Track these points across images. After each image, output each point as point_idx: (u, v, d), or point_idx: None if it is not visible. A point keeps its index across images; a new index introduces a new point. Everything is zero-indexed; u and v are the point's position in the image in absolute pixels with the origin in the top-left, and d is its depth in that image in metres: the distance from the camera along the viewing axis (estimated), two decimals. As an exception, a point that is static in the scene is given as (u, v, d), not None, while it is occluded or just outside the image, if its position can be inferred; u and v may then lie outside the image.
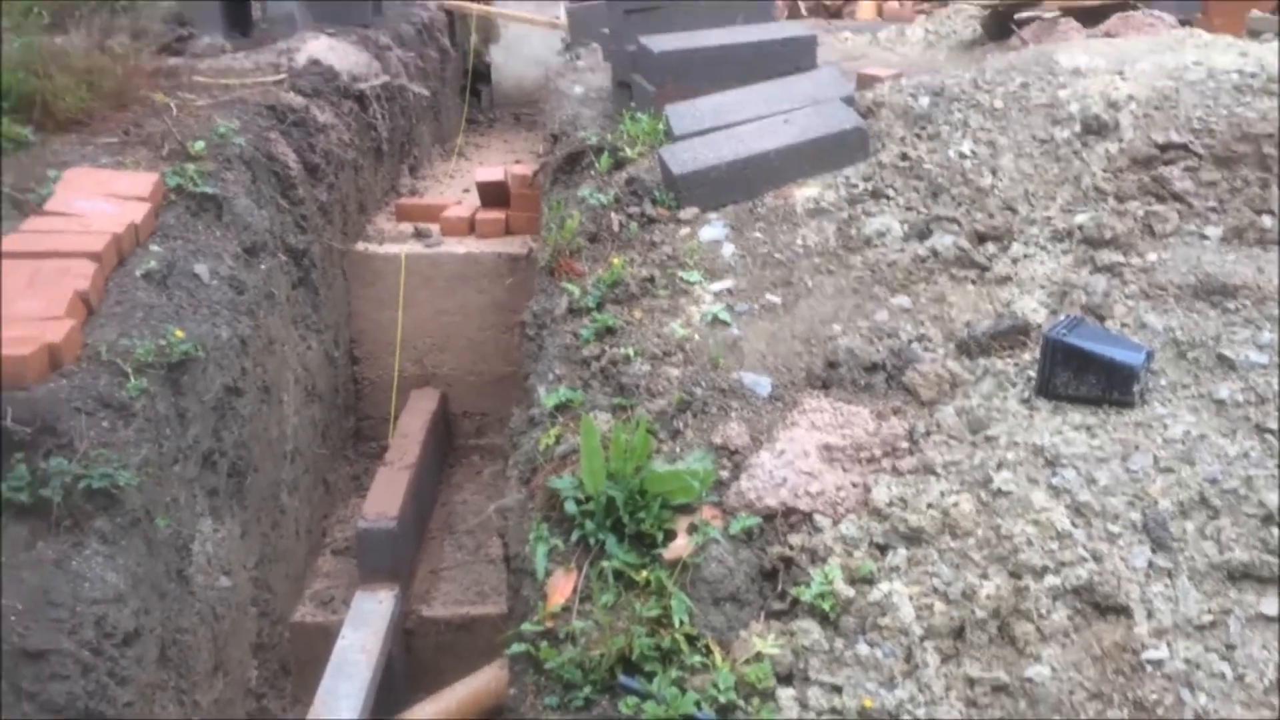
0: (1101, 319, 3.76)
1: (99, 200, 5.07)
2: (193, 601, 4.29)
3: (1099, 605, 2.82)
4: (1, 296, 4.37)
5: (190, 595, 4.28)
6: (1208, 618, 2.79)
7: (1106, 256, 4.01)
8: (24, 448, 3.85)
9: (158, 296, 4.77)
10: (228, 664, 4.59)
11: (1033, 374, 3.58)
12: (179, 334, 4.53)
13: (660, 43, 6.20)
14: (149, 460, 4.13)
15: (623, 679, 3.01)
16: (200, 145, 5.74)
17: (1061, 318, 3.67)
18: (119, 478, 3.88)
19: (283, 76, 7.28)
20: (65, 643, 3.51)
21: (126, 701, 3.63)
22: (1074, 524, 3.00)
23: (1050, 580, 2.88)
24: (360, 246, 7.33)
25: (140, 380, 4.24)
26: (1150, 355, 3.49)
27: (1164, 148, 4.33)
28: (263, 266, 5.64)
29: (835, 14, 12.20)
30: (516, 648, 3.32)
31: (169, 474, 4.29)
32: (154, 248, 4.98)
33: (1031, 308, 3.96)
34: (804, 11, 12.11)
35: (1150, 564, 2.91)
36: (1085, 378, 3.40)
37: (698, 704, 2.86)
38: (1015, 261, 4.21)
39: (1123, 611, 2.81)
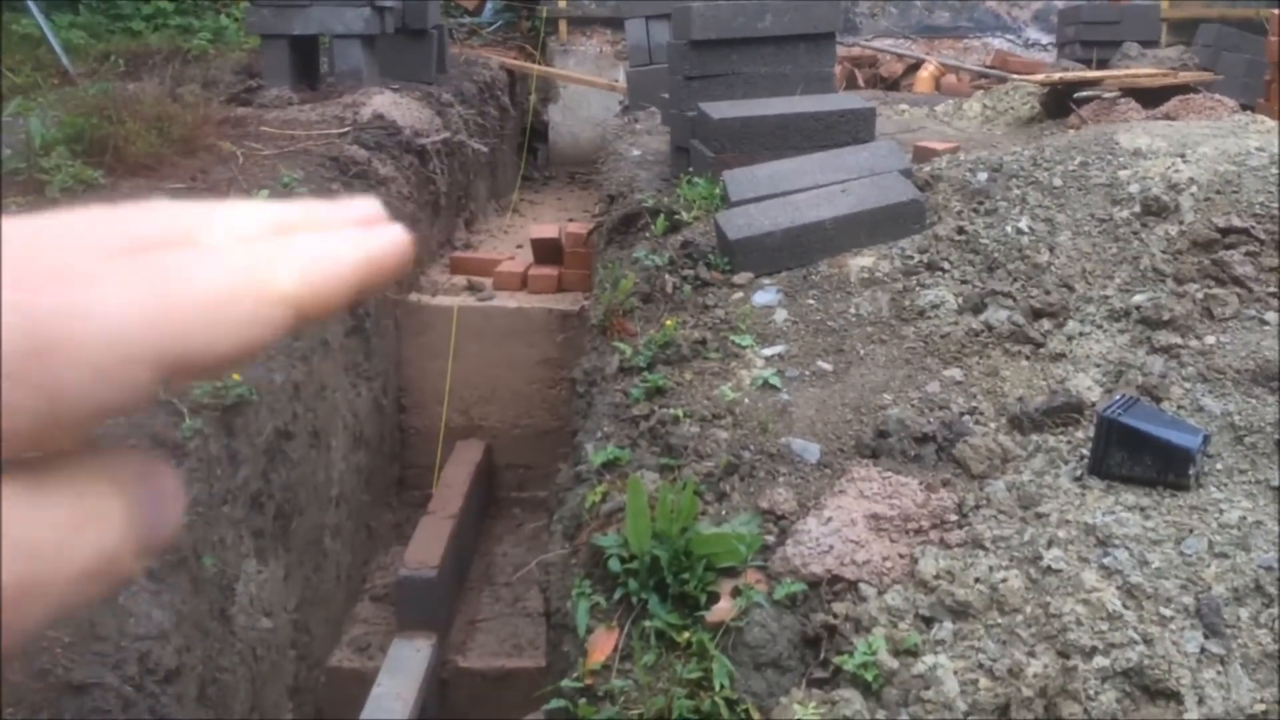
0: (1157, 400, 3.73)
1: (165, 243, 5.18)
2: (234, 641, 4.31)
3: (1148, 689, 2.77)
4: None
5: (232, 635, 4.30)
6: (1260, 707, 2.73)
7: (1164, 338, 3.98)
8: (79, 482, 3.91)
9: (216, 338, 4.84)
10: (264, 706, 4.60)
11: (1086, 452, 3.55)
12: (235, 376, 4.60)
13: (719, 109, 6.27)
14: (199, 500, 4.18)
15: (662, 741, 2.99)
16: (264, 194, 5.86)
17: (1117, 397, 3.64)
18: (169, 515, 3.92)
19: (347, 129, 7.43)
20: (109, 677, 3.54)
21: (165, 738, 3.65)
22: (1125, 605, 2.96)
23: (1099, 661, 2.84)
24: (413, 297, 7.42)
25: (195, 420, 4.31)
26: (1207, 439, 3.45)
27: (1225, 231, 4.31)
28: (319, 313, 5.71)
29: (892, 86, 12.30)
30: (555, 704, 3.32)
31: (218, 514, 4.34)
32: (215, 291, 5.07)
33: (1086, 386, 3.93)
34: (861, 83, 12.21)
35: (1202, 649, 2.86)
36: (1140, 458, 3.36)
37: (736, 770, 2.83)
38: (1070, 339, 4.19)
39: (1173, 696, 2.76)
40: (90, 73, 8.61)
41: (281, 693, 4.86)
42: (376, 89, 8.56)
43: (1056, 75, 8.47)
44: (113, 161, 5.96)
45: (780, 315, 4.75)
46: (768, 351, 4.55)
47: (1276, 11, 8.12)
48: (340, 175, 6.72)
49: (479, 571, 6.57)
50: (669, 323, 4.74)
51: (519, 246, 8.90)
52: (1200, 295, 4.12)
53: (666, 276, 5.18)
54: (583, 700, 3.23)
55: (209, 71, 9.06)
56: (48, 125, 5.94)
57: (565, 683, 3.32)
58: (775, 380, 4.33)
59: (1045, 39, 14.37)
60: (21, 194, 5.45)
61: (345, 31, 8.51)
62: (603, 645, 3.39)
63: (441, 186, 8.38)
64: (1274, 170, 4.58)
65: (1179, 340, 3.97)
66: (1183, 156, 4.87)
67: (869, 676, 3.01)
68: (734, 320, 4.74)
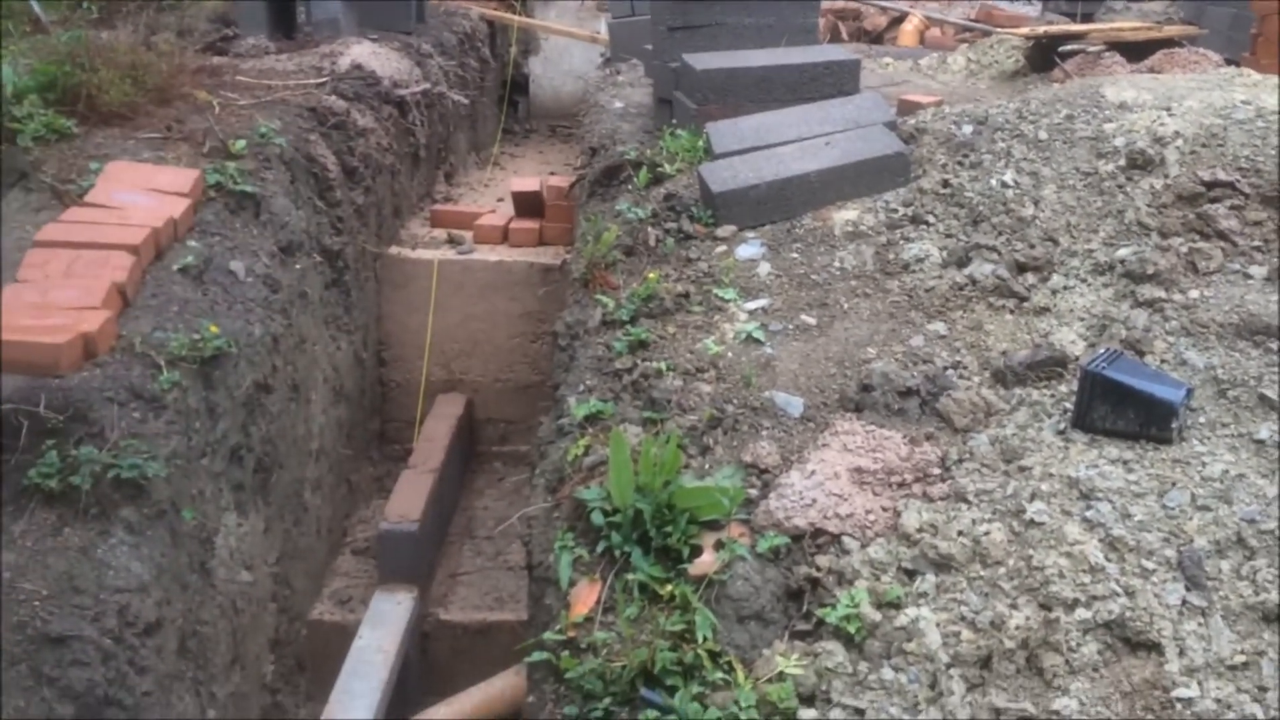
0: (1141, 354, 3.73)
1: (139, 194, 5.10)
2: (214, 594, 4.29)
3: (1130, 641, 2.79)
4: (38, 285, 4.41)
5: (212, 588, 4.28)
6: (1240, 658, 2.75)
7: (1148, 292, 3.98)
8: (55, 435, 3.87)
9: (193, 291, 4.79)
10: (245, 658, 4.59)
11: (1069, 406, 3.55)
12: (213, 329, 4.55)
13: (703, 61, 6.20)
14: (177, 453, 4.15)
15: (644, 692, 2.99)
16: (241, 144, 5.77)
17: (1100, 351, 3.64)
18: (148, 468, 3.89)
19: (325, 80, 7.32)
20: (87, 630, 3.51)
21: (145, 691, 3.63)
22: (1107, 558, 2.97)
23: (1081, 613, 2.85)
24: (394, 250, 7.36)
25: (172, 373, 4.26)
26: (1190, 392, 3.46)
27: (1210, 185, 4.30)
28: (297, 266, 5.66)
29: (876, 39, 12.20)
30: (537, 656, 3.31)
31: (196, 467, 4.30)
32: (191, 243, 5.01)
33: (1070, 340, 3.92)
34: (845, 36, 12.11)
35: (1184, 602, 2.87)
36: (1123, 412, 3.36)
37: (719, 721, 2.84)
38: (1055, 293, 4.18)
39: (1154, 648, 2.78)
40: (63, 20, 8.43)
41: (263, 645, 4.85)
42: (354, 39, 8.43)
43: (1041, 29, 8.42)
44: (86, 110, 5.85)
45: (764, 268, 4.72)
46: (751, 305, 4.53)
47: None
48: (318, 126, 6.63)
49: (460, 525, 6.56)
50: (651, 276, 4.71)
51: (500, 200, 8.83)
52: (1185, 249, 4.11)
53: (649, 229, 5.14)
54: (565, 652, 3.23)
55: (184, 20, 8.88)
56: (19, 73, 5.82)
57: (547, 635, 3.31)
58: (759, 334, 4.31)
59: (1030, -7, 14.26)
60: (-8, 143, 5.36)
61: (323, -20, 8.37)
62: (585, 598, 3.39)
63: (421, 138, 8.28)
64: (1259, 124, 4.55)
65: (1163, 294, 3.96)
66: (1168, 110, 4.84)
67: (852, 629, 3.02)
68: (717, 273, 4.71)
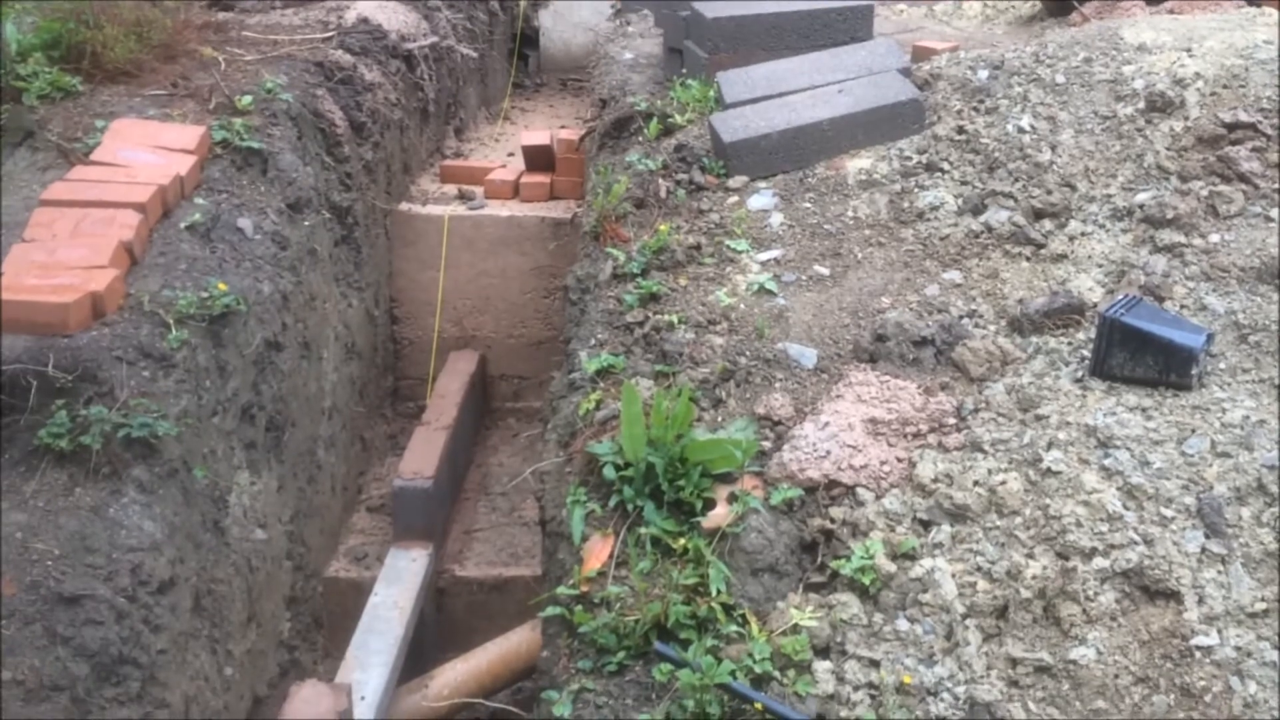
0: (1160, 300, 3.66)
1: (145, 152, 5.06)
2: (228, 553, 4.29)
3: (1148, 589, 2.76)
4: (44, 244, 4.38)
5: (226, 546, 4.28)
6: (1260, 605, 2.72)
7: (1167, 236, 3.91)
8: (65, 395, 3.85)
9: (201, 249, 4.76)
10: (261, 616, 4.59)
11: (1087, 354, 3.50)
12: (221, 287, 4.51)
13: (713, 9, 6.10)
14: (188, 411, 4.13)
15: (658, 646, 2.98)
16: (247, 100, 5.71)
17: (1119, 297, 3.58)
18: (158, 427, 3.87)
19: (331, 34, 7.24)
20: (101, 589, 3.51)
21: (160, 649, 3.63)
22: (1125, 506, 2.93)
23: (1099, 562, 2.81)
24: (404, 206, 7.30)
25: (181, 331, 4.23)
26: (1210, 338, 3.40)
27: (1231, 127, 4.21)
28: (306, 223, 5.61)
29: (890, -14, 12.00)
30: (551, 610, 3.30)
31: (208, 426, 4.28)
32: (199, 200, 4.97)
33: (1088, 286, 3.86)
34: (858, -17, 11.91)
35: (1203, 549, 2.84)
36: (1142, 359, 3.31)
37: (733, 673, 2.82)
38: (1072, 239, 4.11)
39: (1173, 596, 2.74)
40: (66, -23, 8.38)
41: (279, 603, 4.85)
42: (361, -8, 8.33)
43: (1059, -28, 8.24)
44: (91, 68, 5.79)
45: (776, 219, 4.66)
46: (763, 256, 4.47)
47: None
48: (325, 81, 6.55)
49: (474, 482, 6.55)
50: (663, 228, 4.66)
51: (510, 154, 8.75)
52: (1205, 193, 4.03)
53: (660, 181, 5.08)
54: (578, 607, 3.22)
55: (189, -24, 8.80)
56: (24, 31, 5.77)
57: (561, 590, 3.30)
58: (771, 285, 4.27)
59: (1047, -64, 14.01)
60: (-2, 102, 5.32)
61: (328, -68, 8.24)
62: (598, 552, 3.37)
63: (430, 93, 8.19)
64: (1283, 64, 4.46)
65: (1183, 239, 3.89)
66: (1188, 51, 4.74)
67: (866, 580, 2.99)
68: (729, 224, 4.65)
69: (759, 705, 2.74)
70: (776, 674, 2.86)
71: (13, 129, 5.19)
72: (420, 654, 5.11)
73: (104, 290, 4.18)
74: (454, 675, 4.82)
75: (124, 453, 3.83)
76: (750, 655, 2.89)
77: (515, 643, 4.86)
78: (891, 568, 3.00)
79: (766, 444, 3.51)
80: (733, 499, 3.33)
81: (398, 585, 5.18)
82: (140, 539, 3.71)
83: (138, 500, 3.80)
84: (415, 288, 7.24)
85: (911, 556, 3.02)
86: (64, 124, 5.31)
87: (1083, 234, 4.12)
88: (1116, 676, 2.61)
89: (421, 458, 5.76)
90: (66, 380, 3.87)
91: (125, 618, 3.52)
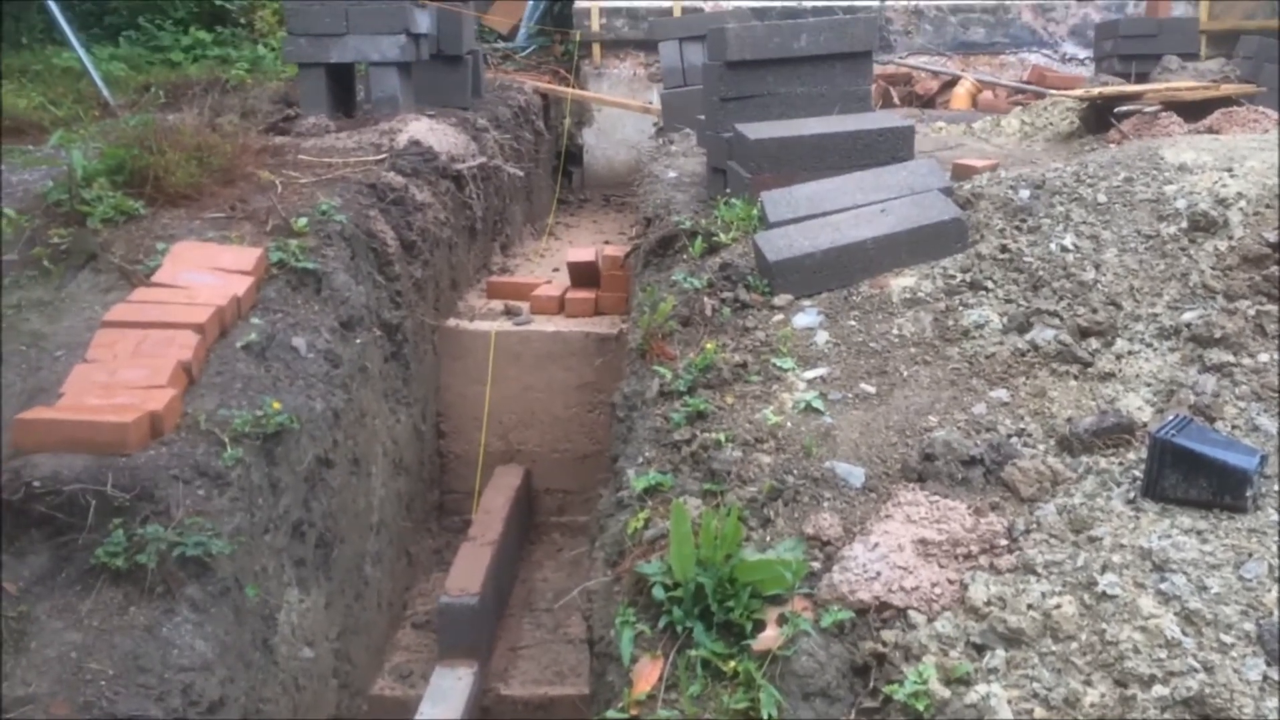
0: (1211, 420, 3.65)
1: (204, 273, 5.21)
2: (276, 671, 4.30)
3: (1210, 718, 2.70)
4: (105, 364, 4.50)
5: (274, 665, 4.29)
6: (1327, 738, 2.65)
7: (1216, 356, 3.90)
8: (122, 513, 3.92)
9: (256, 368, 4.86)
10: (307, 736, 4.59)
11: (1138, 474, 3.47)
12: (275, 405, 4.60)
13: (756, 130, 6.25)
14: (241, 529, 4.18)
15: (710, 773, 2.94)
16: (303, 222, 5.88)
17: (1170, 417, 3.56)
18: (212, 546, 3.93)
19: (384, 156, 7.46)
20: (153, 709, 3.53)
21: (209, 770, 3.64)
22: (1184, 632, 2.88)
23: (1158, 690, 2.76)
24: (451, 322, 7.43)
25: (236, 450, 4.31)
26: (1264, 459, 3.37)
27: (1276, 246, 4.23)
28: (358, 340, 5.73)
29: (928, 103, 12.23)
30: (601, 734, 3.27)
31: (259, 543, 4.33)
32: (255, 320, 5.09)
33: (1137, 406, 3.86)
34: (896, 100, 12.15)
35: (1265, 677, 2.77)
36: (1195, 480, 3.29)
37: (787, 803, 2.78)
38: (1119, 358, 4.11)
39: (1236, 727, 2.68)
40: (130, 104, 8.71)
41: (325, 722, 4.85)
42: (413, 115, 8.60)
43: (1096, 90, 8.39)
44: (153, 192, 6.00)
45: (821, 337, 4.70)
46: (809, 374, 4.50)
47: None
48: (378, 202, 6.74)
49: (520, 598, 6.54)
50: (709, 346, 4.71)
51: (555, 270, 8.91)
52: (1252, 312, 4.04)
53: (705, 299, 5.15)
54: (629, 731, 3.19)
55: (247, 101, 9.14)
56: (89, 157, 6.00)
57: (610, 714, 3.27)
58: (818, 403, 4.28)
59: (1083, 53, 14.26)
60: (64, 225, 5.50)
61: (381, 59, 8.56)
62: (648, 674, 3.35)
63: (478, 211, 8.40)
64: (1325, 183, 4.49)
65: (1231, 358, 3.89)
66: (1230, 170, 4.78)
67: (920, 706, 2.95)
68: (774, 343, 4.69)
69: (814, 836, 2.69)
70: (831, 803, 2.80)
71: (77, 252, 5.36)
72: (466, 775, 5.06)
73: (162, 410, 4.28)
74: (500, 797, 4.77)
75: (178, 571, 3.88)
76: (804, 784, 2.84)
77: (562, 765, 4.81)
78: (946, 693, 2.95)
79: (816, 564, 3.50)
80: (783, 621, 3.31)
81: (443, 704, 5.16)
82: (192, 659, 3.74)
83: (190, 619, 3.83)
84: (462, 402, 7.33)
85: (966, 682, 2.98)
86: (126, 246, 5.48)
87: (1130, 353, 4.12)
88: (1181, 810, 2.55)
89: (467, 574, 5.77)
90: (124, 499, 3.94)
91: (176, 738, 3.54)
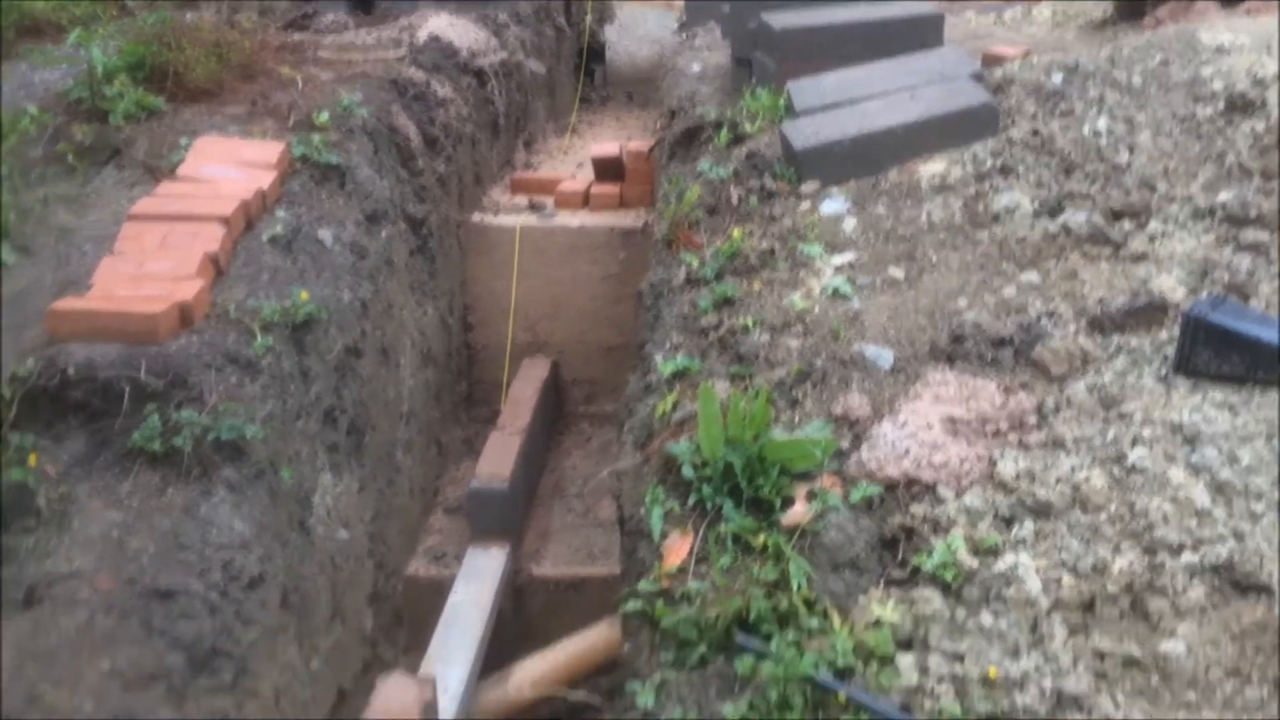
0: (1245, 298, 3.63)
1: (228, 167, 5.20)
2: (313, 551, 4.38)
3: (1239, 584, 2.73)
4: (133, 257, 4.53)
5: (311, 545, 4.37)
6: (1355, 602, 2.68)
7: (1251, 235, 3.87)
8: (156, 399, 3.97)
9: (283, 260, 4.88)
10: (345, 612, 4.68)
11: (1169, 353, 3.47)
12: (304, 295, 4.62)
13: (782, 20, 6.15)
14: (274, 415, 4.23)
15: (741, 638, 2.99)
16: (325, 117, 5.84)
17: (1204, 295, 3.55)
18: (246, 430, 3.98)
19: (404, 52, 7.38)
20: (194, 584, 3.61)
21: (251, 642, 3.72)
22: (1214, 502, 2.90)
23: (1187, 557, 2.79)
24: (476, 217, 7.41)
25: (266, 338, 4.34)
26: (1297, 334, 3.36)
27: (1313, 125, 4.17)
28: (383, 234, 5.73)
29: (957, -5, 11.95)
30: (632, 606, 3.32)
31: (292, 429, 4.38)
32: (280, 213, 5.09)
33: (1169, 286, 3.83)
34: (924, -7, 11.88)
35: (1294, 545, 2.80)
36: (1228, 356, 3.28)
37: (816, 665, 2.83)
38: (1153, 239, 4.08)
39: (1264, 590, 2.71)
40: (148, 3, 8.61)
41: (361, 600, 4.94)
42: (432, 11, 8.48)
43: (1130, -24, 8.17)
44: (174, 88, 5.96)
45: (849, 224, 4.68)
46: (837, 260, 4.49)
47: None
48: (399, 97, 6.68)
49: (549, 485, 6.61)
50: (736, 233, 4.69)
51: (579, 166, 8.84)
52: (1288, 191, 3.99)
53: (731, 188, 5.12)
54: (660, 602, 3.24)
55: (264, -1, 9.02)
56: (108, 54, 5.95)
57: (642, 585, 3.33)
58: (846, 288, 4.28)
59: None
60: (86, 122, 5.49)
61: (400, -47, 8.42)
62: (678, 549, 3.40)
63: (500, 107, 8.31)
64: (1366, 61, 4.40)
65: (1267, 237, 3.85)
66: (1267, 51, 4.69)
67: (948, 576, 2.99)
68: (802, 230, 4.68)
69: (842, 697, 2.75)
70: (860, 666, 2.86)
71: (100, 147, 5.35)
72: (500, 650, 5.16)
73: (191, 300, 4.30)
74: (533, 670, 4.87)
75: (214, 455, 3.94)
76: (833, 648, 2.89)
77: (592, 639, 4.90)
78: (974, 563, 2.99)
79: (844, 443, 3.52)
80: (812, 496, 3.34)
81: (477, 583, 5.25)
82: (231, 537, 3.81)
83: (228, 500, 3.90)
84: (488, 296, 7.33)
85: (994, 552, 3.01)
86: (149, 142, 5.47)
87: (1163, 234, 4.09)
88: (1207, 670, 2.59)
89: (497, 460, 5.83)
90: (158, 386, 3.99)
91: (218, 612, 3.62)
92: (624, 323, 6.98)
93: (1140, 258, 4.03)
